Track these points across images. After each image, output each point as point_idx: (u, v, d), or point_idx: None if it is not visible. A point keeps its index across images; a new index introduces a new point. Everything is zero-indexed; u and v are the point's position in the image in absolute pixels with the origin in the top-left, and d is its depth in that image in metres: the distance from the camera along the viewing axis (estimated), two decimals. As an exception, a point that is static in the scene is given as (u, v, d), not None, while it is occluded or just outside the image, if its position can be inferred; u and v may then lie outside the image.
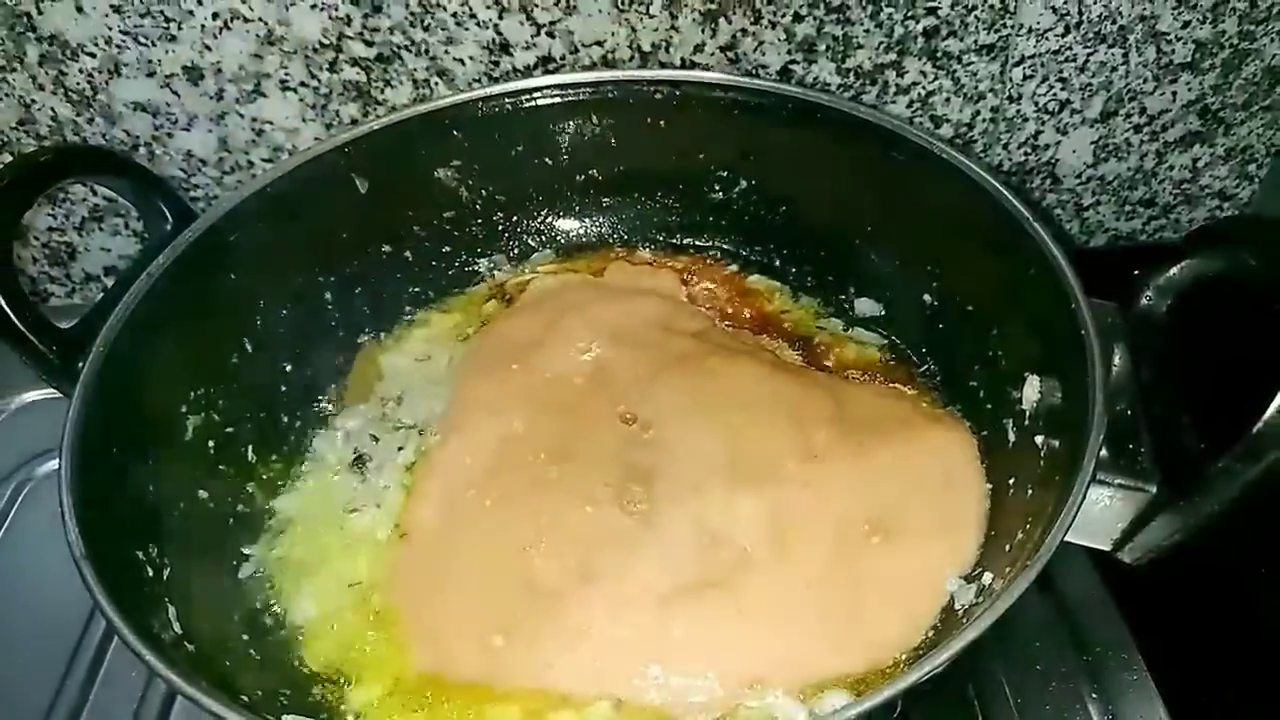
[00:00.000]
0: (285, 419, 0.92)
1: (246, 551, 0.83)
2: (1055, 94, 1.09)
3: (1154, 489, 0.65)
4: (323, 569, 0.83)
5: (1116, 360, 0.73)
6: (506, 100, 0.98)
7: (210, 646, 0.72)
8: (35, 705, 0.83)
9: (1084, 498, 0.61)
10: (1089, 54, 1.06)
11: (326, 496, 0.88)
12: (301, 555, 0.84)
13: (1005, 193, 0.80)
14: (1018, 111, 1.11)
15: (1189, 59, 1.08)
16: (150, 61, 1.00)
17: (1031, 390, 0.77)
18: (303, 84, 1.02)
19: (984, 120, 1.12)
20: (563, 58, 1.02)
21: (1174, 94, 1.11)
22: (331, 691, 0.76)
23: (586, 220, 1.07)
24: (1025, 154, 1.15)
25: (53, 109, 1.03)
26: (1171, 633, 0.80)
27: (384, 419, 0.93)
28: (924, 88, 1.08)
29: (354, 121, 1.04)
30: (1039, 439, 0.74)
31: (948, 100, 1.10)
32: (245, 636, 0.77)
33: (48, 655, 0.85)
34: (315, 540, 0.85)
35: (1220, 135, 1.15)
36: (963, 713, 0.79)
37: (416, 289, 1.02)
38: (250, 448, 0.88)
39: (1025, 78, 1.08)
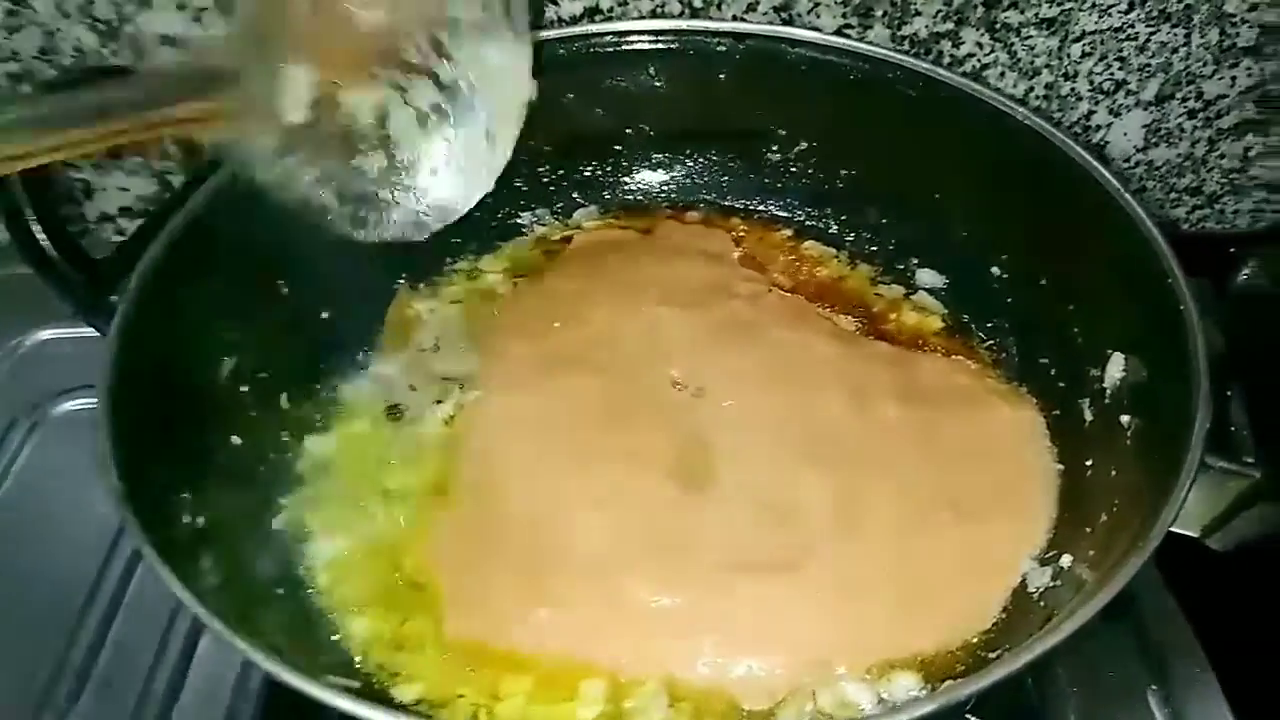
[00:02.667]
0: (322, 365, 0.88)
1: (282, 501, 0.79)
2: (1112, 73, 1.07)
3: (1258, 474, 0.62)
4: (356, 524, 0.80)
5: (1203, 338, 0.70)
6: (559, 47, 0.94)
7: (246, 600, 0.68)
8: (51, 648, 0.80)
9: (1193, 481, 0.58)
10: (1151, 33, 1.03)
11: (361, 448, 0.84)
12: (334, 509, 0.80)
13: (1093, 161, 0.77)
14: (1072, 89, 1.08)
15: (1252, 43, 1.05)
16: (182, -9, 0.95)
17: (1115, 368, 0.75)
18: (340, 21, 0.97)
19: (1037, 98, 1.09)
20: (610, 10, 0.98)
21: (1233, 79, 1.08)
22: (367, 658, 0.72)
23: (635, 177, 1.03)
24: (1075, 134, 1.12)
25: (77, 38, 0.98)
26: (1238, 628, 0.77)
27: (422, 369, 0.89)
28: (979, 60, 1.05)
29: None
30: (1124, 419, 0.72)
31: (1002, 74, 1.07)
32: (280, 591, 0.73)
33: (64, 597, 0.82)
34: (349, 494, 0.81)
35: (1276, 125, 1.13)
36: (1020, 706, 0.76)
37: (457, 240, 0.97)
38: (285, 394, 0.83)
39: (1084, 55, 1.05)
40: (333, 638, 0.73)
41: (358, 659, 0.72)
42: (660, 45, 0.94)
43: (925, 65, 0.89)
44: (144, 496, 0.63)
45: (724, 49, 0.94)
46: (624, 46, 0.95)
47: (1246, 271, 0.70)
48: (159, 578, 0.58)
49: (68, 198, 1.11)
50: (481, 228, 0.99)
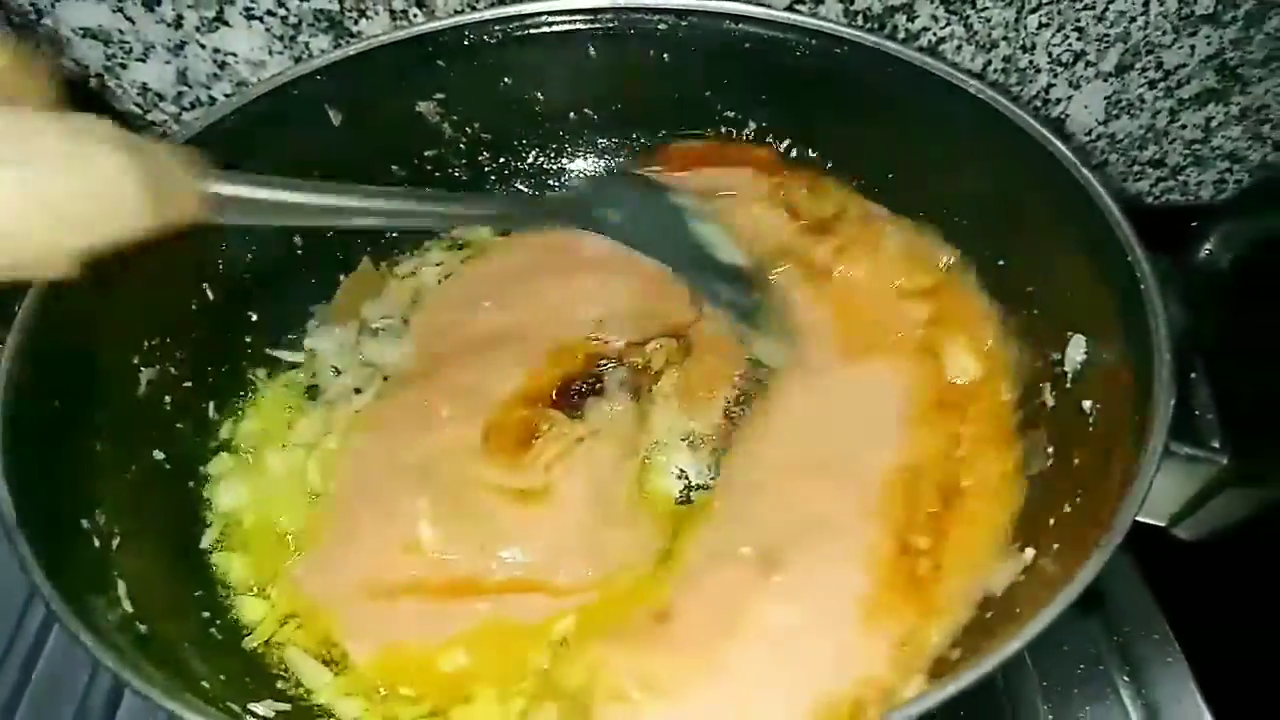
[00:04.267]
0: (252, 372, 0.85)
1: (209, 517, 0.75)
2: (1070, 44, 1.04)
3: (1224, 460, 0.59)
4: (266, 529, 0.78)
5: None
6: (496, 28, 0.90)
7: (165, 626, 0.65)
8: None
9: (1157, 469, 0.55)
10: (1109, 1, 1.00)
11: (277, 426, 0.83)
12: (251, 505, 0.79)
13: (1049, 135, 0.74)
14: (1030, 62, 1.05)
15: (1211, 10, 1.02)
16: (101, -18, 0.91)
17: (1076, 351, 0.72)
18: (269, 12, 0.93)
19: (995, 72, 1.06)
20: (554, -12, 0.94)
21: (1192, 47, 1.06)
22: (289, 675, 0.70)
23: (578, 163, 1.00)
24: (1035, 109, 1.09)
25: (-9, 33, 0.94)
26: (1208, 613, 0.75)
27: (352, 352, 0.88)
28: (935, 33, 1.02)
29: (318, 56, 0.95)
30: (1086, 404, 0.69)
31: (959, 48, 1.04)
32: (206, 614, 0.69)
33: None
34: (262, 486, 0.80)
35: (1236, 93, 1.10)
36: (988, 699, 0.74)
37: (400, 235, 0.95)
38: (213, 404, 0.79)
39: (1040, 25, 1.02)
40: (260, 664, 0.70)
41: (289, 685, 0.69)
42: (598, 25, 0.90)
43: (873, 39, 0.86)
44: (43, 523, 0.59)
45: (665, 27, 0.90)
46: (563, 27, 0.90)
47: (1209, 246, 0.67)
48: (53, 615, 0.53)
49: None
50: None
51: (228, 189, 0.55)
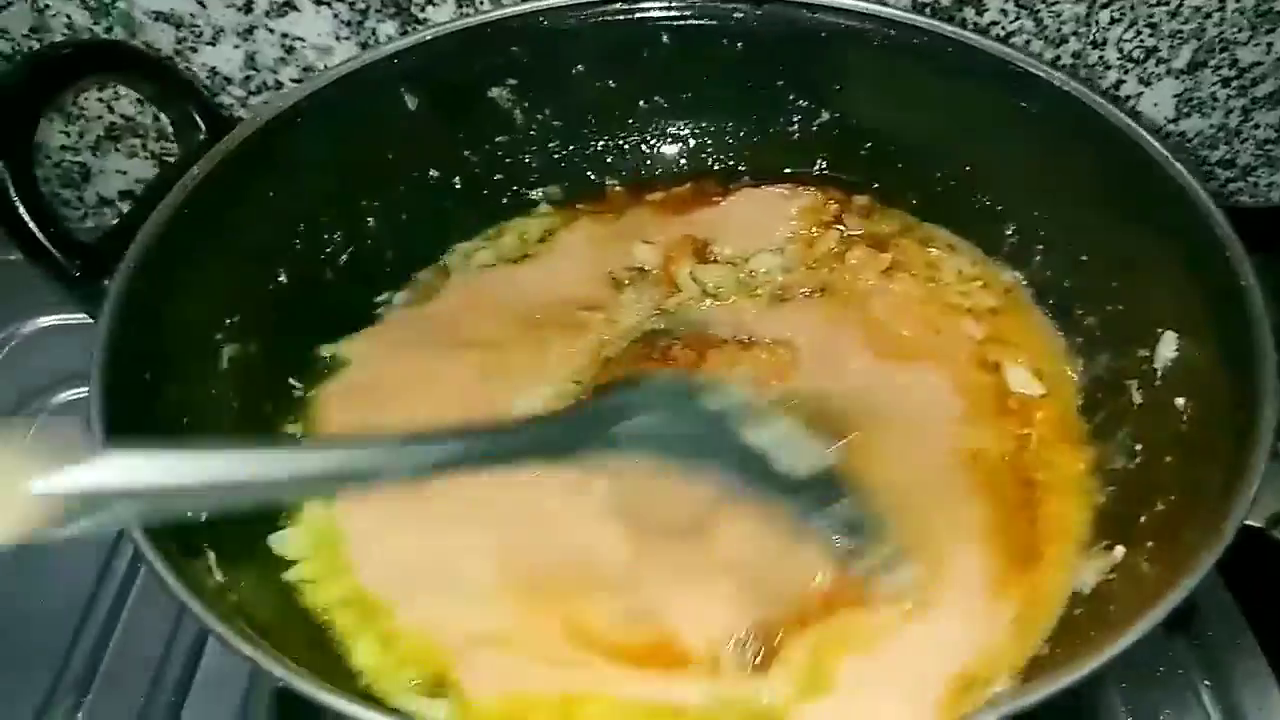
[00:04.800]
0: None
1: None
2: (1142, 40, 1.02)
3: (1331, 462, 0.58)
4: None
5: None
6: (570, 15, 0.89)
7: (253, 601, 0.64)
8: (56, 645, 0.78)
9: (1263, 470, 0.54)
10: (1183, -3, 0.99)
11: None
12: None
13: (1136, 126, 0.74)
14: (1100, 58, 1.04)
15: (1291, 6, 1.01)
16: (176, -33, 0.92)
17: (1167, 348, 0.71)
18: (338, -2, 0.94)
19: (1064, 67, 1.04)
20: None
21: (1269, 45, 1.04)
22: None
23: (648, 150, 0.99)
24: (1108, 103, 1.08)
25: (68, 15, 0.95)
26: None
27: None
28: (1004, 27, 1.01)
29: (390, 41, 0.95)
30: (1179, 401, 0.68)
31: (1028, 42, 1.03)
32: (290, 594, 0.69)
33: (68, 592, 0.81)
34: None
35: (1313, 94, 1.09)
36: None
37: (463, 219, 0.94)
38: (292, 380, 0.80)
39: (1112, 21, 1.01)
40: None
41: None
42: (674, 12, 0.90)
43: (953, 29, 0.85)
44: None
45: (740, 15, 0.89)
46: (637, 14, 0.90)
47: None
48: (161, 583, 0.53)
49: (64, 181, 1.08)
50: (493, 205, 0.95)
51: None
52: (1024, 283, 0.86)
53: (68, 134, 1.04)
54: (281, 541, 0.71)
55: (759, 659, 0.63)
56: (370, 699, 0.63)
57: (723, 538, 0.68)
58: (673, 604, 0.66)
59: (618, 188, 0.98)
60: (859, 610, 0.65)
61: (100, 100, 1.01)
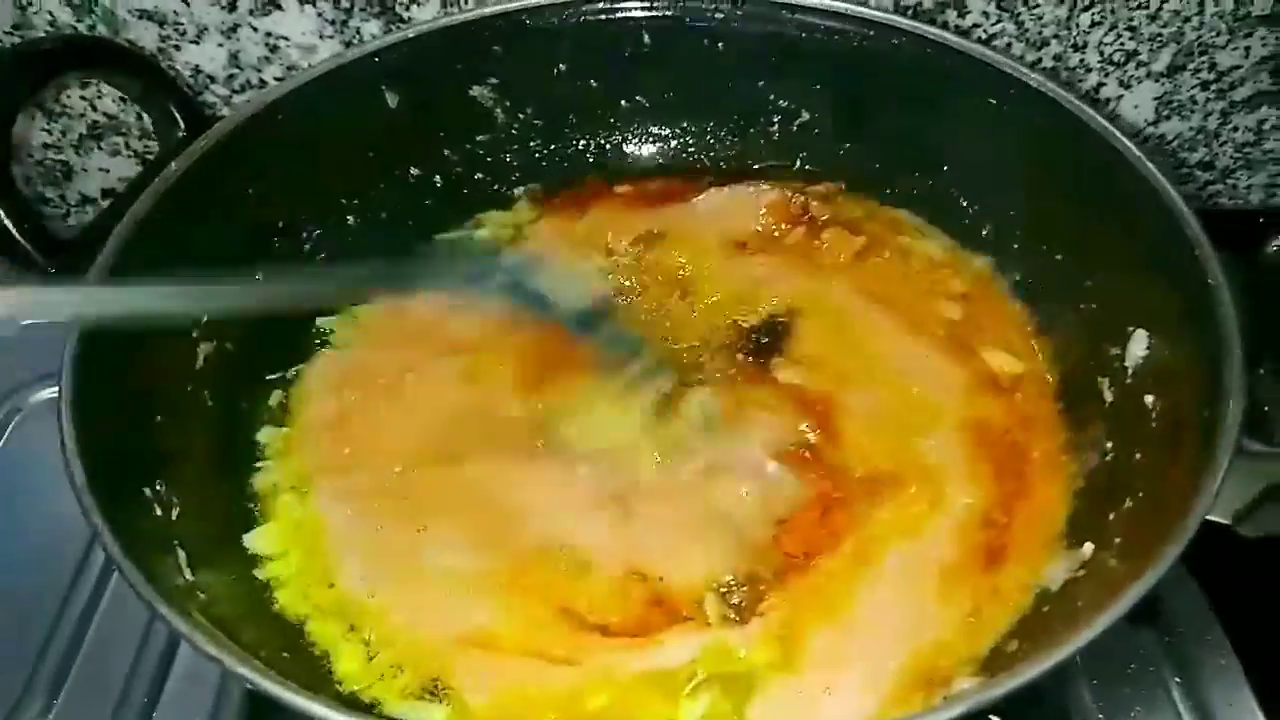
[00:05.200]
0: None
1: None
2: (1122, 43, 1.03)
3: (1292, 457, 0.59)
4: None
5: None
6: (552, 14, 0.90)
7: (224, 600, 0.64)
8: (25, 651, 0.77)
9: (1228, 466, 0.55)
10: (1163, 1, 1.00)
11: None
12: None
13: (1109, 126, 0.74)
14: (1081, 61, 1.05)
15: (1268, 10, 1.01)
16: (158, -37, 0.92)
17: (1138, 346, 0.71)
18: (322, -4, 0.94)
19: (1044, 70, 1.05)
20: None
21: (1247, 49, 1.05)
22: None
23: (628, 150, 0.99)
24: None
25: (50, 12, 0.95)
26: (1264, 615, 0.74)
27: None
28: (985, 30, 1.01)
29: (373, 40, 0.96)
30: (1148, 399, 0.68)
31: (1009, 45, 1.03)
32: (265, 595, 0.69)
33: (43, 587, 0.80)
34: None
35: (1292, 96, 1.10)
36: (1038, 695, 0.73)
37: (444, 214, 0.95)
38: (269, 377, 0.80)
39: (1093, 24, 1.01)
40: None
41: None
42: (655, 13, 0.91)
43: (934, 31, 0.85)
44: (110, 487, 0.59)
45: (721, 16, 0.90)
46: (618, 14, 0.91)
47: (1277, 242, 0.66)
48: (126, 579, 0.53)
49: (47, 180, 1.08)
50: (473, 203, 0.96)
51: None
52: (999, 276, 0.88)
53: (50, 132, 1.04)
54: (255, 539, 0.71)
55: (743, 608, 0.68)
56: (359, 705, 0.63)
57: (697, 497, 0.75)
58: (658, 558, 0.71)
59: (596, 185, 0.98)
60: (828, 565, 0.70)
61: (83, 98, 1.01)
